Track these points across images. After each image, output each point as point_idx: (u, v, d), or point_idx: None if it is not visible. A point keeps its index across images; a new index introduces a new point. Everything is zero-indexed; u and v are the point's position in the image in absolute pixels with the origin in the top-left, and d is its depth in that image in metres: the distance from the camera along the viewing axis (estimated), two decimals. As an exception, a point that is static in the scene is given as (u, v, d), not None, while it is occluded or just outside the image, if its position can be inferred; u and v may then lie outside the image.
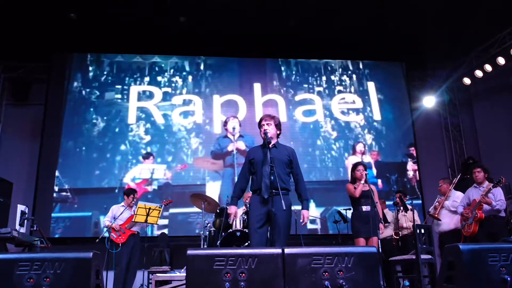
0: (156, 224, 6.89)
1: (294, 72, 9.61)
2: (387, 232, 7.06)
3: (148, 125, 8.94)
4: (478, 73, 8.72)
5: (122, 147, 8.78)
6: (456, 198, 6.56)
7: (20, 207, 5.89)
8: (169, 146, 8.86)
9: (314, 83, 9.57)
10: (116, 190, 8.46)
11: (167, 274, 6.04)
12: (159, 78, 9.30)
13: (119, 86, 9.14)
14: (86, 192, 8.47)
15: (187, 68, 9.42)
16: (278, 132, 4.43)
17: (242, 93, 9.36)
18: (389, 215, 7.39)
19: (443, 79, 9.58)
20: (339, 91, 9.58)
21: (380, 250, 5.70)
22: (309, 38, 8.87)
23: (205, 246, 6.47)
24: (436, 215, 6.66)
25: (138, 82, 9.22)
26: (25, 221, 5.90)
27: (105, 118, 8.92)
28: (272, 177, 3.99)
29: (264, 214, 4.09)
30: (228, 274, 2.90)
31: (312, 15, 8.18)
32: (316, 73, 9.64)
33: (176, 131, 8.97)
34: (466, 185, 7.92)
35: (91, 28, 8.41)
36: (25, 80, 9.11)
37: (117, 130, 8.89)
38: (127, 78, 9.21)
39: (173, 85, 9.28)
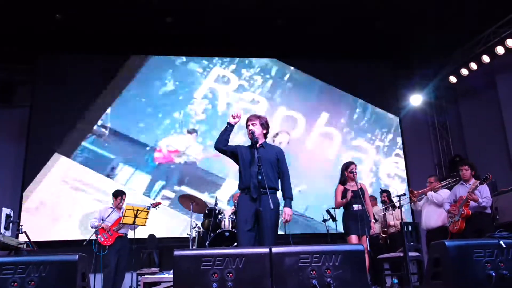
0: (144, 225, 6.84)
1: (366, 118, 9.54)
2: (381, 232, 7.12)
3: (209, 106, 9.14)
4: (464, 72, 8.80)
5: (176, 114, 9.05)
6: (442, 192, 6.60)
7: (5, 211, 5.82)
8: (216, 132, 8.77)
9: (379, 136, 9.49)
10: (147, 148, 8.84)
11: (156, 276, 6.00)
12: (243, 70, 9.48)
13: (206, 62, 9.41)
14: (122, 138, 8.82)
15: (273, 73, 9.55)
16: (264, 131, 4.43)
17: (307, 114, 9.39)
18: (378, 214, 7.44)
19: (430, 77, 9.65)
20: (397, 154, 9.46)
21: (369, 248, 5.72)
22: (292, 37, 8.87)
23: (194, 247, 6.45)
24: (416, 193, 6.71)
25: (223, 66, 9.46)
26: (10, 224, 5.83)
27: (177, 82, 9.24)
28: (259, 177, 3.99)
29: (252, 213, 4.08)
30: (216, 274, 2.90)
31: (297, 15, 8.18)
32: (385, 128, 9.54)
33: (229, 122, 9.09)
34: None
35: (77, 29, 8.33)
36: (9, 81, 8.99)
37: (180, 98, 9.19)
38: (216, 58, 9.47)
39: (251, 81, 9.43)
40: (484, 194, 5.85)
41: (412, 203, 6.91)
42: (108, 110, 8.91)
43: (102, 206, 7.26)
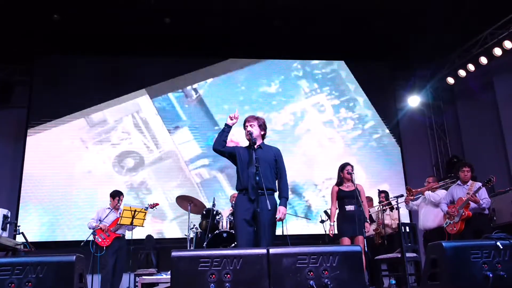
0: (142, 226, 6.83)
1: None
2: (372, 230, 7.11)
3: (292, 123, 9.37)
4: (461, 73, 8.83)
5: (259, 113, 8.94)
6: (439, 192, 6.59)
7: (2, 211, 5.79)
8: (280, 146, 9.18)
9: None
10: (216, 127, 9.14)
11: (153, 277, 6.00)
12: (342, 109, 9.60)
13: (316, 85, 9.69)
14: (203, 108, 9.28)
15: (366, 126, 9.60)
16: (262, 132, 4.42)
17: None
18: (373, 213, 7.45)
19: (427, 78, 9.67)
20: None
21: (366, 249, 5.72)
22: (292, 37, 8.90)
23: (192, 248, 6.44)
24: (414, 191, 6.70)
25: (329, 96, 9.66)
26: (8, 225, 5.81)
27: (280, 89, 9.58)
28: (257, 178, 3.98)
29: (249, 214, 4.08)
30: (213, 275, 2.90)
31: (297, 15, 8.20)
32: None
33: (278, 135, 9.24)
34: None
35: (75, 30, 8.32)
36: (7, 82, 8.97)
37: (274, 103, 9.51)
38: (327, 87, 9.71)
39: (343, 122, 9.57)
40: (482, 195, 5.83)
41: (405, 203, 6.88)
42: (209, 80, 9.42)
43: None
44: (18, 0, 7.43)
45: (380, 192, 7.59)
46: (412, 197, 6.72)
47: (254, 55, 9.56)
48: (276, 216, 4.11)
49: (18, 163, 8.49)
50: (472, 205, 5.78)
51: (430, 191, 6.63)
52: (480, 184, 5.87)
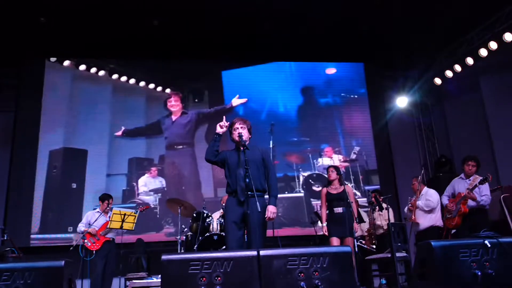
0: (132, 230, 6.79)
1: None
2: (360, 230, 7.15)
3: None
4: (448, 73, 8.90)
5: None
6: (429, 196, 6.62)
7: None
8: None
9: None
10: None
11: (144, 281, 5.98)
12: None
13: None
14: None
15: None
16: (250, 136, 4.41)
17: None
18: (364, 214, 7.47)
19: (415, 79, 9.75)
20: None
21: (357, 250, 5.76)
22: (282, 39, 8.90)
23: (183, 251, 6.42)
24: (413, 219, 6.71)
25: None
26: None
27: None
28: (247, 180, 3.98)
29: (239, 217, 4.08)
30: (204, 278, 2.89)
31: (284, 17, 8.22)
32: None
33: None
34: (439, 183, 8.07)
35: (64, 33, 8.25)
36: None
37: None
38: None
39: None
40: (483, 192, 5.81)
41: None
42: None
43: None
44: (5, 3, 7.35)
45: (371, 192, 7.60)
46: (415, 220, 6.73)
47: (246, 57, 9.54)
48: (266, 216, 4.10)
49: (5, 167, 8.39)
50: (471, 201, 5.81)
51: (420, 201, 6.65)
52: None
